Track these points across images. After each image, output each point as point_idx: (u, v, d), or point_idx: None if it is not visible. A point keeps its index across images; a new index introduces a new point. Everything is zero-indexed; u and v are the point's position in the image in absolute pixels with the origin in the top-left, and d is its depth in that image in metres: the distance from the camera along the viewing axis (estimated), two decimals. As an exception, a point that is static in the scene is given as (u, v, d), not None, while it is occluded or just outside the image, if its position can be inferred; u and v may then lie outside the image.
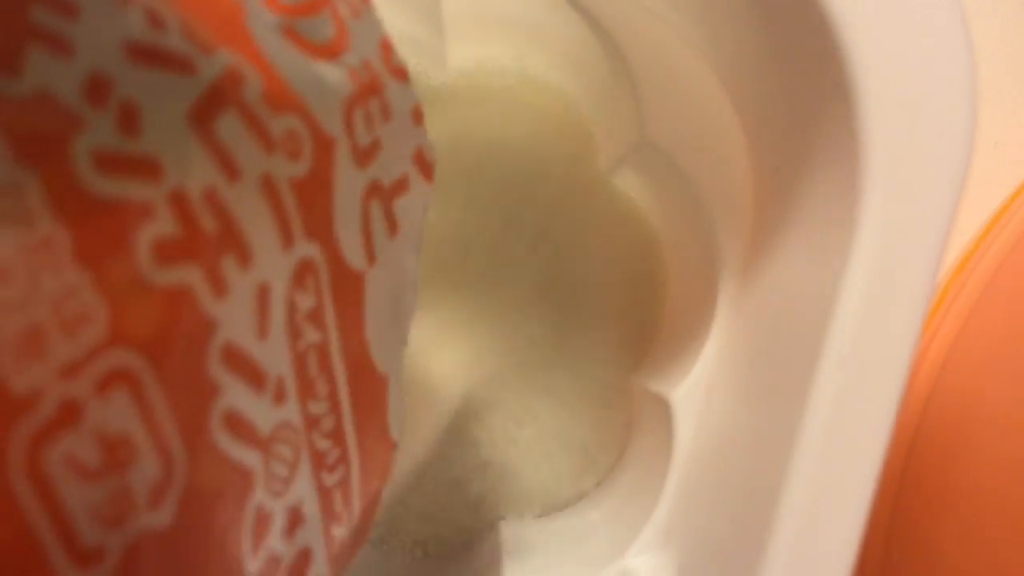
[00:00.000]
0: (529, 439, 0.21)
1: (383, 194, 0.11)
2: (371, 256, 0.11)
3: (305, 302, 0.10)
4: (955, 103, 0.11)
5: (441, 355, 0.20)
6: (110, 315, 0.07)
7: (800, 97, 0.13)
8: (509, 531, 0.21)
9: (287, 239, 0.09)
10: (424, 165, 0.12)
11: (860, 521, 0.12)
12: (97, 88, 0.07)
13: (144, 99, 0.07)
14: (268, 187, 0.09)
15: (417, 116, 0.12)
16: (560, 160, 0.21)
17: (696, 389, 0.16)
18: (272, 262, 0.09)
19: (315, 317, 0.10)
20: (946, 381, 0.21)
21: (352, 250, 0.10)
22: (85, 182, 0.07)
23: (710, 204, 0.17)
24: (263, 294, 0.09)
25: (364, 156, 0.10)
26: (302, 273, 0.09)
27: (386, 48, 0.11)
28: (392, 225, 0.11)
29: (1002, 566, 0.20)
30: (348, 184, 0.10)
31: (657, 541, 0.16)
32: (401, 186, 0.11)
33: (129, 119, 0.07)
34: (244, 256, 0.09)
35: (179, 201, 0.08)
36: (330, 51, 0.10)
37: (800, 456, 0.12)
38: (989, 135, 0.22)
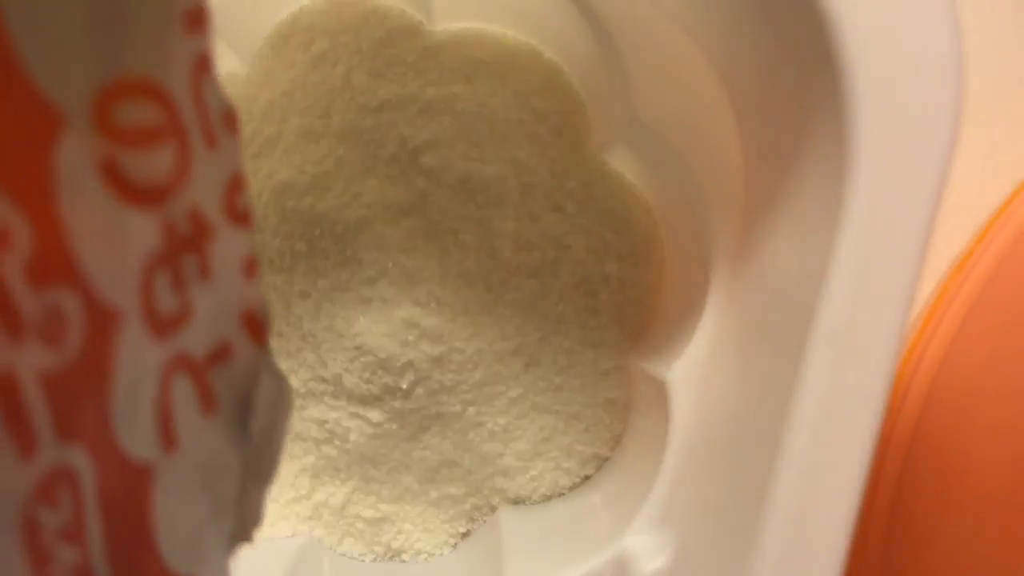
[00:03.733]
0: (528, 424, 0.21)
1: (193, 367, 0.09)
2: (170, 441, 0.09)
3: (55, 519, 0.08)
4: (942, 73, 0.11)
5: (432, 339, 0.20)
6: None
7: (787, 75, 0.13)
8: (512, 516, 0.21)
9: (27, 448, 0.07)
10: (254, 327, 0.10)
11: (855, 496, 0.12)
12: None
13: None
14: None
15: (249, 268, 0.10)
16: (551, 135, 0.20)
17: (691, 369, 0.16)
18: None
19: (71, 534, 0.08)
20: (945, 381, 0.21)
21: (136, 439, 0.09)
22: None
23: (701, 183, 0.17)
24: None
25: (165, 327, 0.09)
26: (51, 485, 0.08)
27: (234, 185, 0.09)
28: (207, 402, 0.10)
29: (1001, 566, 0.20)
30: (137, 363, 0.09)
31: (655, 520, 0.16)
32: (221, 355, 0.10)
33: None
34: None
35: None
36: (153, 196, 0.08)
37: (794, 431, 0.12)
38: (987, 135, 0.23)
